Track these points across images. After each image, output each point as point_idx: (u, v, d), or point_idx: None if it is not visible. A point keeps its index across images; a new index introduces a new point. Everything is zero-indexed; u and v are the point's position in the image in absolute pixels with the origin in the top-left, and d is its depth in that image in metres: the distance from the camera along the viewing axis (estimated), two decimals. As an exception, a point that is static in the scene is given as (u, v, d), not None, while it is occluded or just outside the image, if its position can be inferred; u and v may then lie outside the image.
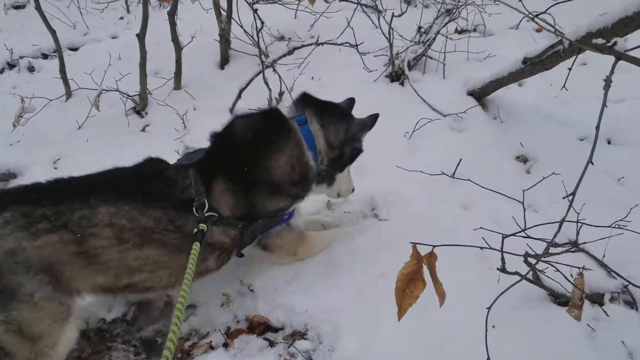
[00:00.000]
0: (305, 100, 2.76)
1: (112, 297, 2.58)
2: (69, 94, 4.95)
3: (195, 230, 2.27)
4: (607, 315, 2.47)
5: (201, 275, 2.59)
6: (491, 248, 2.10)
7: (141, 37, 4.30)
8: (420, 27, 5.08)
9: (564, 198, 1.85)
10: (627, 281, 2.53)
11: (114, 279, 2.34)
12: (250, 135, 2.55)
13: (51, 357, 2.25)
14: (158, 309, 2.95)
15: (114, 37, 6.54)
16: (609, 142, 3.91)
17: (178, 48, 4.67)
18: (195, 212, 2.33)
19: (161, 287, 2.53)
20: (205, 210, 2.34)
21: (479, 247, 2.02)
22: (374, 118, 2.82)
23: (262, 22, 4.28)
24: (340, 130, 2.73)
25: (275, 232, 2.76)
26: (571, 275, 2.29)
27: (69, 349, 2.36)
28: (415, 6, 6.34)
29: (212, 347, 2.67)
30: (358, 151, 2.86)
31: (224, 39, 5.05)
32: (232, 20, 4.93)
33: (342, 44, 4.34)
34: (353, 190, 3.11)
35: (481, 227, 2.42)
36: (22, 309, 2.12)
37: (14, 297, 2.10)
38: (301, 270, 2.96)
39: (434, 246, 1.73)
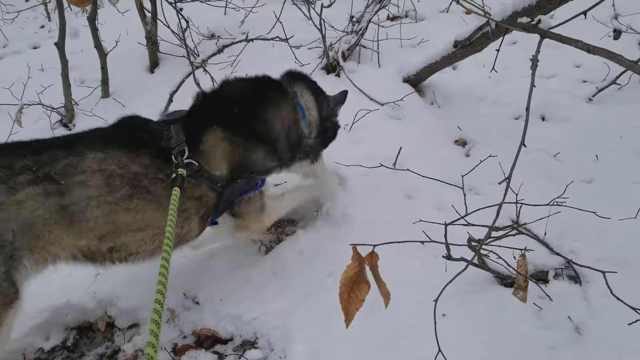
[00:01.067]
0: (293, 76, 2.86)
1: (89, 264, 2.30)
2: (-13, 111, 4.62)
3: (174, 175, 2.17)
4: (550, 299, 2.49)
5: (184, 240, 2.48)
6: (432, 241, 2.07)
7: (60, 45, 4.06)
8: (352, 17, 5.03)
9: (499, 183, 1.82)
10: (566, 259, 2.55)
11: (97, 241, 2.17)
12: (250, 93, 2.63)
13: None
14: (100, 331, 2.80)
15: (35, 47, 6.18)
16: (542, 119, 3.98)
17: (102, 54, 4.44)
18: (174, 159, 2.25)
19: (143, 254, 2.37)
20: (185, 157, 2.27)
21: (420, 242, 1.97)
22: (344, 94, 3.07)
23: (187, 22, 4.12)
24: (325, 104, 2.91)
25: (247, 198, 2.67)
26: (514, 258, 2.29)
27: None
28: (346, -5, 6.28)
29: (159, 367, 2.55)
30: (337, 127, 3.06)
31: (151, 41, 4.85)
32: (158, 21, 4.73)
33: (272, 39, 4.22)
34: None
35: (421, 220, 2.41)
36: None
37: None
38: (247, 274, 2.88)
39: (374, 245, 1.66)
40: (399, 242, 1.78)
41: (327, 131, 2.97)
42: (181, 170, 2.18)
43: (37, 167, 1.99)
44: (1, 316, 1.98)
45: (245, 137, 2.51)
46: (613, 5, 4.75)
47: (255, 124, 2.56)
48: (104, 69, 4.54)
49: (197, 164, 2.31)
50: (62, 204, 2.02)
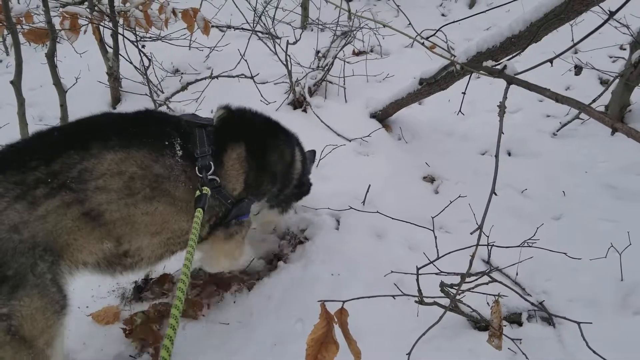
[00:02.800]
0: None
1: (106, 273, 2.16)
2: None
3: (199, 193, 2.10)
4: (519, 350, 2.44)
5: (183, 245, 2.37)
6: (404, 294, 2.00)
7: (16, 83, 3.89)
8: (318, 52, 5.03)
9: (471, 233, 1.76)
10: (536, 305, 2.51)
11: (115, 243, 2.04)
12: (274, 128, 2.77)
13: (49, 358, 1.86)
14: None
15: (-9, 83, 5.99)
16: (509, 154, 4.00)
17: (61, 92, 4.29)
18: (198, 172, 2.17)
19: (153, 258, 2.25)
20: (210, 172, 2.20)
21: (392, 296, 1.90)
22: (313, 153, 3.31)
23: (150, 59, 4.03)
24: (306, 161, 3.03)
25: (242, 221, 2.64)
26: (487, 304, 2.24)
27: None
28: (312, 30, 6.32)
29: None
30: (310, 185, 3.18)
31: (113, 77, 4.74)
32: (121, 57, 4.63)
33: (237, 76, 4.17)
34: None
35: (392, 272, 2.36)
36: (30, 299, 1.76)
37: (23, 285, 1.75)
38: (212, 323, 2.74)
39: (344, 301, 1.58)
40: (369, 297, 1.69)
41: (303, 186, 3.09)
42: (206, 189, 2.11)
43: (51, 178, 1.85)
44: (56, 324, 1.87)
45: (262, 162, 2.56)
46: (572, 40, 4.86)
47: (272, 154, 2.66)
48: (63, 106, 4.37)
49: (218, 180, 2.27)
50: (83, 211, 1.91)
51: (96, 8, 4.43)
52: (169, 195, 2.12)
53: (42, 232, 1.81)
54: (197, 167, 2.18)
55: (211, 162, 2.21)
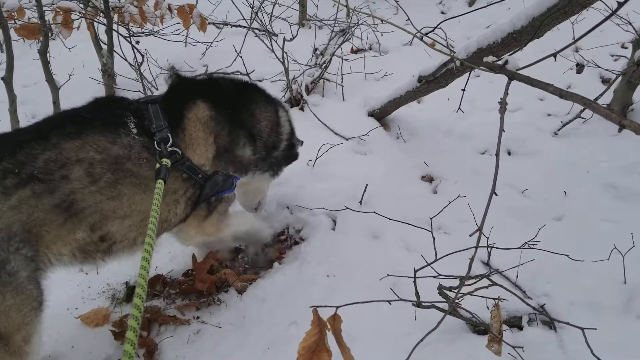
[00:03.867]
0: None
1: (85, 263, 2.14)
2: None
3: (158, 165, 2.04)
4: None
5: (170, 225, 2.36)
6: (401, 299, 1.92)
7: (7, 80, 3.83)
8: (315, 49, 4.96)
9: (470, 235, 1.69)
10: (536, 309, 2.45)
11: (89, 232, 2.02)
12: (242, 89, 2.68)
13: (27, 354, 1.83)
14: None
15: (-17, 80, 5.90)
16: (509, 153, 3.94)
17: (54, 89, 4.22)
18: (157, 146, 2.12)
19: (128, 242, 2.19)
20: (169, 145, 2.14)
21: (387, 302, 1.83)
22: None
23: (143, 56, 3.96)
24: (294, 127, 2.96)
25: (219, 198, 2.54)
26: (487, 308, 2.17)
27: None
28: (309, 27, 6.25)
29: None
30: (298, 149, 3.05)
31: (107, 74, 4.66)
32: (115, 54, 4.56)
33: (233, 74, 4.10)
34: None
35: (389, 275, 2.29)
36: (2, 296, 1.73)
37: None
38: (204, 325, 2.67)
39: (337, 307, 1.51)
40: (364, 302, 1.62)
41: (293, 148, 2.98)
42: (165, 161, 2.06)
43: (18, 168, 1.83)
44: (34, 322, 1.84)
45: (234, 119, 2.46)
46: (574, 38, 4.79)
47: (246, 111, 2.57)
48: (56, 103, 4.31)
49: (179, 152, 2.19)
50: (54, 202, 1.89)
51: (90, 3, 4.35)
52: (133, 175, 2.10)
53: (17, 223, 1.80)
54: (155, 142, 2.13)
55: (169, 135, 2.16)
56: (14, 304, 1.76)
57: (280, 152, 2.86)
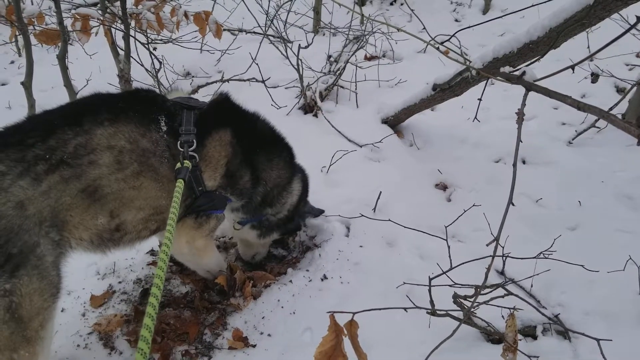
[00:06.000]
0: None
1: (97, 250, 2.17)
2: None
3: (180, 165, 2.14)
4: None
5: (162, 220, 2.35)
6: (417, 307, 1.93)
7: (27, 84, 3.89)
8: (329, 56, 4.99)
9: (487, 245, 1.70)
10: (551, 319, 2.44)
11: (109, 218, 2.07)
12: (277, 138, 2.74)
13: (42, 340, 1.85)
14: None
15: (3, 84, 6.01)
16: (523, 162, 3.93)
17: (72, 93, 4.28)
18: (179, 147, 2.19)
19: (135, 235, 2.25)
20: (192, 149, 2.21)
21: (404, 309, 1.84)
22: (320, 212, 3.17)
23: (161, 62, 4.00)
24: (303, 202, 2.99)
25: (209, 215, 2.56)
26: (502, 317, 2.17)
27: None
28: (324, 35, 6.28)
29: None
30: (299, 227, 3.15)
31: (124, 80, 4.71)
32: (132, 59, 4.61)
33: (248, 80, 4.14)
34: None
35: (405, 283, 2.29)
36: (29, 279, 1.76)
37: (25, 264, 1.75)
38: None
39: (354, 313, 1.53)
40: (380, 309, 1.63)
41: (292, 223, 3.00)
42: (187, 163, 2.15)
43: (49, 154, 1.88)
44: (51, 307, 1.87)
45: (250, 156, 2.52)
46: (588, 48, 4.79)
47: (265, 156, 2.64)
48: (73, 108, 4.37)
49: (197, 158, 2.25)
50: (81, 187, 1.94)
51: (108, 10, 4.42)
52: (154, 170, 2.16)
53: (48, 208, 1.84)
54: (179, 142, 2.19)
55: (194, 140, 2.22)
56: (37, 288, 1.79)
57: (276, 215, 2.89)
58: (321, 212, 3.17)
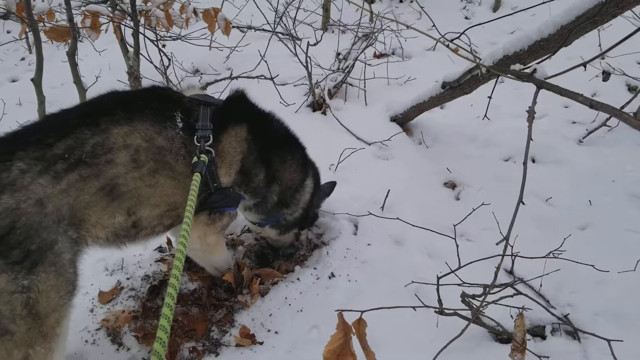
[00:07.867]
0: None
1: (112, 247, 2.20)
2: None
3: (196, 159, 2.15)
4: None
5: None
6: (425, 306, 1.92)
7: (37, 81, 3.91)
8: (338, 54, 4.98)
9: (497, 244, 1.69)
10: (560, 319, 2.42)
11: (126, 216, 2.10)
12: (293, 139, 2.78)
13: (58, 336, 1.86)
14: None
15: (14, 81, 6.04)
16: (533, 161, 3.91)
17: (82, 90, 4.30)
18: (196, 141, 2.20)
19: (149, 231, 2.27)
20: (209, 143, 2.22)
21: (412, 307, 1.83)
22: (332, 185, 3.22)
23: (170, 59, 4.00)
24: (317, 196, 3.02)
25: (222, 212, 2.58)
26: (511, 317, 2.16)
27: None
28: (333, 32, 6.26)
29: None
30: (316, 217, 3.23)
31: (133, 76, 4.73)
32: (141, 56, 4.62)
33: (257, 77, 4.13)
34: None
35: (413, 282, 2.27)
36: (47, 275, 1.78)
37: (42, 261, 1.77)
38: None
39: (362, 311, 1.52)
40: (389, 307, 1.63)
41: (307, 219, 3.08)
42: (203, 157, 2.16)
43: (68, 153, 1.90)
44: (67, 305, 1.89)
45: (266, 154, 2.54)
46: (600, 45, 4.74)
47: (276, 154, 2.64)
48: (83, 105, 4.39)
49: (213, 153, 2.26)
50: (99, 186, 1.96)
51: (117, 7, 4.43)
52: (170, 168, 2.17)
53: (66, 206, 1.86)
54: (195, 137, 2.21)
55: (210, 135, 2.23)
56: (55, 285, 1.81)
57: (291, 212, 2.92)
58: (332, 185, 3.23)
